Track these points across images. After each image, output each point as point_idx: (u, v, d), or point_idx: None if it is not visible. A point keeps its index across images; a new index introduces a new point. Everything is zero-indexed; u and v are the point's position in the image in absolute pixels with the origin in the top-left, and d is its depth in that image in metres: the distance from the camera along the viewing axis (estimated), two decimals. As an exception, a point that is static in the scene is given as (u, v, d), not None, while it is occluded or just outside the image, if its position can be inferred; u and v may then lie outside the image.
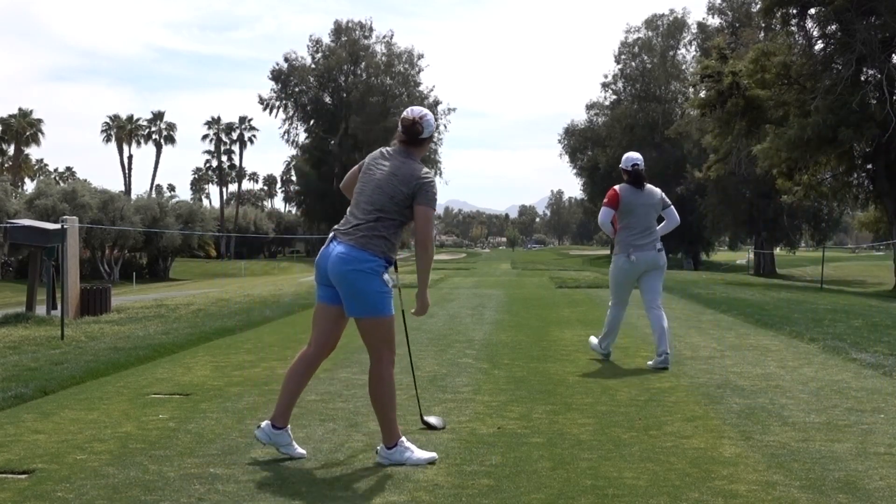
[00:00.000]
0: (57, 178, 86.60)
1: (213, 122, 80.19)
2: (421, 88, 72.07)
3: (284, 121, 72.04)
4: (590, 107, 71.04)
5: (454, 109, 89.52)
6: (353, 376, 6.02)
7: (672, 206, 6.97)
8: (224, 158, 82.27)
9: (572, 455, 3.91)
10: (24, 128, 69.55)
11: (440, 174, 69.10)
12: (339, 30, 71.90)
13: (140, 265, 56.26)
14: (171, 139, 77.49)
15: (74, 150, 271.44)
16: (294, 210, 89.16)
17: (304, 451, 3.93)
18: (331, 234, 3.96)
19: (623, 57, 65.41)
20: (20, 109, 69.78)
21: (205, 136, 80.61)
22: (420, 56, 72.31)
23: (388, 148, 4.06)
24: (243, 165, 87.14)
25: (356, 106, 67.70)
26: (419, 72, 71.98)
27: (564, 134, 72.50)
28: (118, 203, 50.10)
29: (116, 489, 3.39)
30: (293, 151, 78.16)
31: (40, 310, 12.45)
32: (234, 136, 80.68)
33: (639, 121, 62.31)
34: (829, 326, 9.38)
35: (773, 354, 7.30)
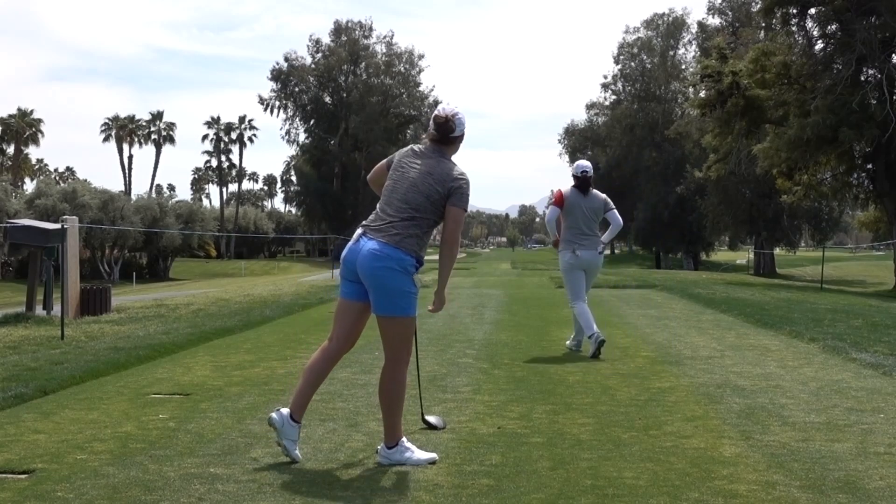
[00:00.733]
0: (57, 178, 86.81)
1: (213, 122, 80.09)
2: (421, 88, 72.17)
3: (284, 121, 72.17)
4: (590, 107, 71.19)
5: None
6: (353, 376, 6.02)
7: (615, 210, 7.51)
8: (224, 158, 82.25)
9: (572, 455, 3.91)
10: (23, 128, 69.68)
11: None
12: (339, 30, 71.87)
13: (140, 265, 56.36)
14: (170, 139, 77.60)
15: (74, 150, 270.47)
16: (294, 210, 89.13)
17: (300, 456, 3.88)
18: (359, 231, 3.90)
19: (623, 57, 65.37)
20: (20, 109, 69.99)
21: (205, 136, 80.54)
22: (420, 56, 72.40)
23: (418, 145, 4.02)
24: (243, 165, 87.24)
25: (356, 106, 67.68)
26: (419, 72, 71.98)
27: (564, 134, 72.69)
28: (118, 203, 50.20)
29: (116, 489, 3.39)
30: (293, 151, 78.25)
31: (40, 310, 12.47)
32: (234, 136, 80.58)
33: (639, 121, 62.33)
34: (829, 326, 9.39)
35: (773, 354, 7.30)
